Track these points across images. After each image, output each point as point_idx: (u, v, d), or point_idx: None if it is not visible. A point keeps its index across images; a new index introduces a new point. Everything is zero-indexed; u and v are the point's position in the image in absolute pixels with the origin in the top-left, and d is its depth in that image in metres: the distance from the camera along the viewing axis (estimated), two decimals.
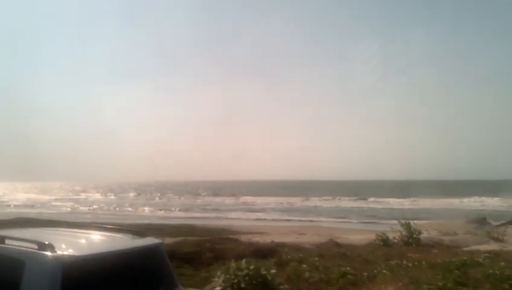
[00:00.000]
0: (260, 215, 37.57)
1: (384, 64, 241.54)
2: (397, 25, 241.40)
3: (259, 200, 60.22)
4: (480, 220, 24.80)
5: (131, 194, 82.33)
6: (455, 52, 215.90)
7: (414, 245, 11.55)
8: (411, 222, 13.06)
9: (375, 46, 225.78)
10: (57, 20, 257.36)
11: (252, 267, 5.98)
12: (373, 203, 53.17)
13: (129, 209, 45.13)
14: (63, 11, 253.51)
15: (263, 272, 5.91)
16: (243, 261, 6.08)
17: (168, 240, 9.87)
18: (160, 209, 43.09)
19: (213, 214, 38.09)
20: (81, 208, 46.98)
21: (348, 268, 6.46)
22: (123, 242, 3.32)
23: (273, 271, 5.97)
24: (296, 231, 17.83)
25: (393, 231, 12.60)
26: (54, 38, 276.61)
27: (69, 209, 45.50)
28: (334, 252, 8.48)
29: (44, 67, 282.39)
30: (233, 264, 6.20)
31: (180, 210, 42.85)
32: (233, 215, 37.28)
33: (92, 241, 3.30)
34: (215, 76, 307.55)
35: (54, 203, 55.18)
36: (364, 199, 62.08)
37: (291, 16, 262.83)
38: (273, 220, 32.64)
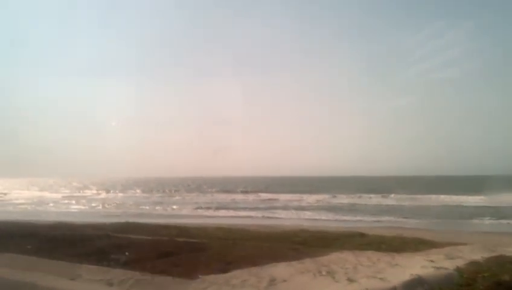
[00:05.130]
0: (310, 214, 34.98)
1: (395, 60, 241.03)
2: (400, 22, 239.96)
3: (282, 197, 57.62)
4: None
5: (138, 191, 78.77)
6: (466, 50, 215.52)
7: None
8: None
9: (382, 43, 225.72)
10: (51, 14, 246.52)
11: None
12: (406, 200, 51.01)
13: (158, 208, 41.93)
14: (57, 7, 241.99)
15: None
16: None
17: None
18: (196, 208, 40.10)
19: (259, 213, 35.40)
20: (107, 206, 43.58)
21: None
22: None
23: None
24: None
25: None
26: (47, 33, 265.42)
27: (92, 209, 42.01)
28: None
29: (37, 63, 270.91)
30: None
31: (217, 209, 39.91)
32: (282, 215, 34.66)
33: None
34: (214, 71, 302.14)
35: (65, 201, 51.37)
36: (386, 196, 60.38)
37: (297, 9, 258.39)
38: (335, 221, 30.12)
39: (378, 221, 28.86)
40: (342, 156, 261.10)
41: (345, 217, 32.01)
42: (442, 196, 52.49)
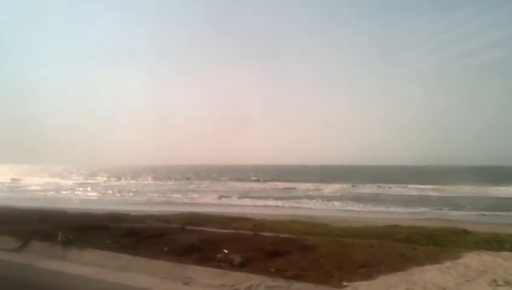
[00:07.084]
0: (339, 205, 33.79)
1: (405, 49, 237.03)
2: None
3: (299, 187, 56.42)
4: None
5: (149, 179, 77.90)
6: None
7: None
8: None
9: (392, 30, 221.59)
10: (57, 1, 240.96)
11: None
12: (427, 190, 49.81)
13: (179, 195, 41.03)
14: None
15: None
16: None
17: None
18: (219, 197, 39.11)
19: (285, 203, 34.33)
20: (126, 193, 42.72)
21: None
22: None
23: None
24: None
25: None
26: (57, 19, 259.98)
27: (113, 196, 41.15)
28: None
29: (46, 47, 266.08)
30: None
31: (240, 197, 38.96)
32: (311, 205, 33.66)
33: None
34: (224, 62, 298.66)
35: (81, 188, 50.47)
36: (405, 186, 59.10)
37: None
38: (368, 212, 29.00)
39: (415, 212, 27.75)
40: (347, 146, 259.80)
41: (377, 208, 30.89)
42: (466, 187, 51.09)
